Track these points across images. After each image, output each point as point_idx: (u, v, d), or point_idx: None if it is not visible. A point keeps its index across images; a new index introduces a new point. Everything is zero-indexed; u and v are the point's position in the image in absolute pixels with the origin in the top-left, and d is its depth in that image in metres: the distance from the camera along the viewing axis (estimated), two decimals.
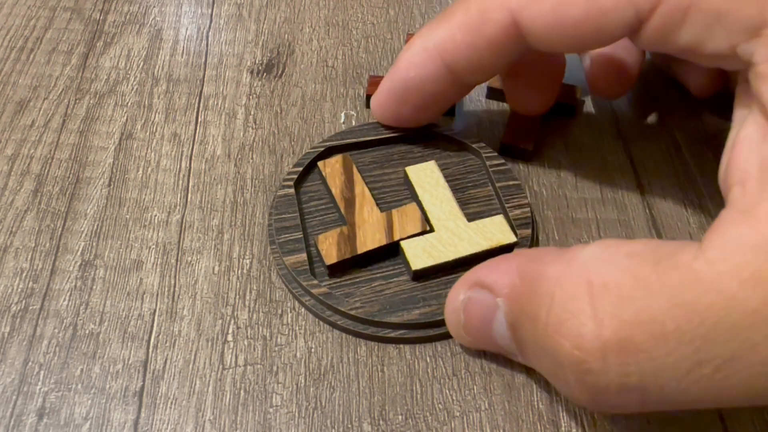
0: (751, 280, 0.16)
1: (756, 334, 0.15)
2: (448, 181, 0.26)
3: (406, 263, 0.24)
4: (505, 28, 0.22)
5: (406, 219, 0.25)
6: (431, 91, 0.25)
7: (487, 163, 0.27)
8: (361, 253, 0.24)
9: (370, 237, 0.24)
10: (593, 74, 0.28)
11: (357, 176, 0.26)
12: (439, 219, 0.25)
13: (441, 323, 0.23)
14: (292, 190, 0.26)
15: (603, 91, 0.28)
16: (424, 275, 0.24)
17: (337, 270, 0.24)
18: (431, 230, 0.25)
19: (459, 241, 0.24)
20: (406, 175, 0.26)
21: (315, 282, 0.24)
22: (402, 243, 0.24)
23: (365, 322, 0.23)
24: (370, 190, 0.26)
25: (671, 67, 0.29)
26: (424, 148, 0.28)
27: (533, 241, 0.25)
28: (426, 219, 0.25)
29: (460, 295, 0.21)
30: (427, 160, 0.27)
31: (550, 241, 0.26)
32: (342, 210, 0.25)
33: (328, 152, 0.27)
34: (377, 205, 0.25)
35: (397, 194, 0.26)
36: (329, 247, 0.24)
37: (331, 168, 0.26)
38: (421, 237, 0.24)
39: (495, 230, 0.24)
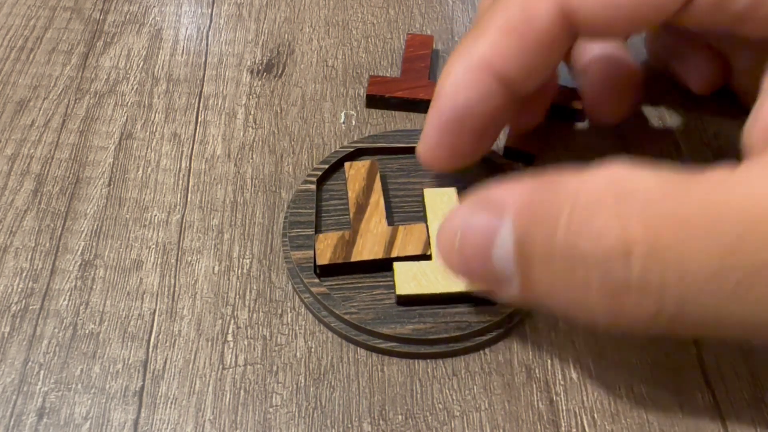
0: None
1: None
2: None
3: (394, 285, 0.23)
4: (553, 19, 0.21)
5: (409, 238, 0.24)
6: (486, 113, 0.22)
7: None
8: (353, 261, 0.24)
9: (368, 248, 0.24)
10: (591, 99, 0.27)
11: (377, 185, 0.26)
12: None
13: (432, 342, 0.23)
14: (313, 186, 0.26)
15: (602, 115, 0.27)
16: (408, 302, 0.23)
17: (328, 272, 0.24)
18: (429, 257, 0.24)
19: (452, 276, 0.23)
20: (423, 196, 0.26)
21: (316, 281, 0.24)
22: (395, 264, 0.24)
23: (358, 329, 0.23)
24: (390, 198, 0.26)
25: (670, 66, 0.29)
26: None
27: None
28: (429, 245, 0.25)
29: (459, 215, 0.20)
30: (455, 175, 0.27)
31: None
32: (351, 215, 0.25)
33: (357, 153, 0.27)
34: (388, 216, 0.25)
35: (414, 207, 0.26)
36: (325, 248, 0.24)
37: (356, 171, 0.26)
38: (415, 262, 0.24)
39: None
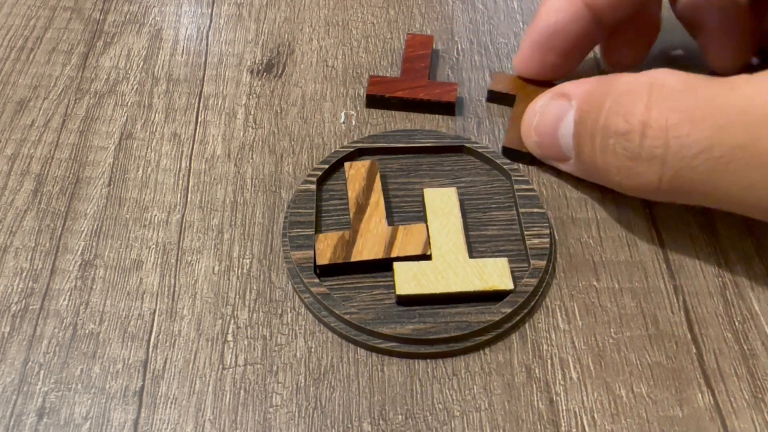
0: None
1: (761, 130, 0.19)
2: (472, 200, 0.26)
3: (394, 285, 0.23)
4: None
5: (409, 238, 0.24)
6: (574, 35, 0.27)
7: (515, 186, 0.26)
8: (353, 261, 0.24)
9: (368, 248, 0.24)
10: (610, 41, 0.29)
11: (377, 185, 0.26)
12: (440, 248, 0.24)
13: (432, 342, 0.23)
14: (313, 186, 0.26)
15: (620, 58, 0.30)
16: (408, 302, 0.23)
17: (328, 272, 0.24)
18: (429, 257, 0.24)
19: (453, 276, 0.24)
20: (423, 196, 0.26)
21: (316, 280, 0.24)
22: (395, 264, 0.24)
23: (358, 329, 0.23)
24: (390, 198, 0.26)
25: (694, 34, 0.30)
26: (455, 162, 0.28)
27: (546, 273, 0.25)
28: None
29: (541, 100, 0.26)
30: (456, 175, 0.27)
31: (550, 240, 0.26)
32: (351, 215, 0.25)
33: (357, 153, 0.27)
34: (388, 216, 0.25)
35: (414, 207, 0.26)
36: (325, 248, 0.24)
37: (356, 171, 0.26)
38: (415, 262, 0.24)
39: (494, 273, 0.24)
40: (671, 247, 0.26)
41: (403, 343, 0.23)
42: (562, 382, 0.22)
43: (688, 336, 0.24)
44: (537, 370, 0.23)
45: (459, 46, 0.33)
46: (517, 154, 0.28)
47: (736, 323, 0.24)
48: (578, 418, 0.22)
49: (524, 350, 0.23)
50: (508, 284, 0.23)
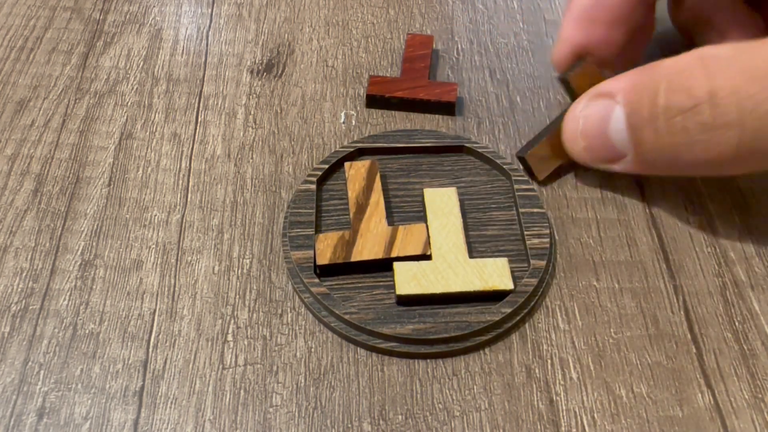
0: None
1: None
2: (472, 200, 0.26)
3: (394, 285, 0.23)
4: None
5: (409, 238, 0.24)
6: (618, 5, 0.26)
7: (515, 186, 0.26)
8: (353, 261, 0.24)
9: (368, 248, 0.24)
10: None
11: (377, 185, 0.26)
12: (440, 248, 0.24)
13: (432, 341, 0.23)
14: (313, 186, 0.26)
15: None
16: (408, 302, 0.23)
17: (328, 272, 0.24)
18: (429, 257, 0.24)
19: (453, 276, 0.24)
20: (423, 196, 0.26)
21: (316, 280, 0.24)
22: (395, 264, 0.24)
23: (358, 329, 0.23)
24: (390, 198, 0.26)
25: (695, 36, 0.30)
26: (455, 162, 0.28)
27: (547, 272, 0.25)
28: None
29: (579, 105, 0.26)
30: (456, 175, 0.27)
31: (550, 240, 0.26)
32: (351, 215, 0.25)
33: (357, 153, 0.27)
34: (388, 216, 0.25)
35: (414, 207, 0.26)
36: (325, 248, 0.24)
37: (356, 171, 0.26)
38: (415, 262, 0.24)
39: (494, 273, 0.24)
40: (671, 247, 0.26)
41: (403, 343, 0.23)
42: (562, 382, 0.22)
43: (688, 336, 0.24)
44: (537, 370, 0.23)
45: (459, 46, 0.33)
46: (530, 172, 0.27)
47: (736, 323, 0.24)
48: (578, 418, 0.22)
49: (524, 350, 0.23)
50: (508, 284, 0.23)
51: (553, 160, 0.27)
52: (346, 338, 0.23)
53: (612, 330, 0.24)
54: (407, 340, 0.23)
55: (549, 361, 0.23)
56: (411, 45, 0.32)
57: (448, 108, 0.30)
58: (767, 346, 0.23)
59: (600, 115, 0.25)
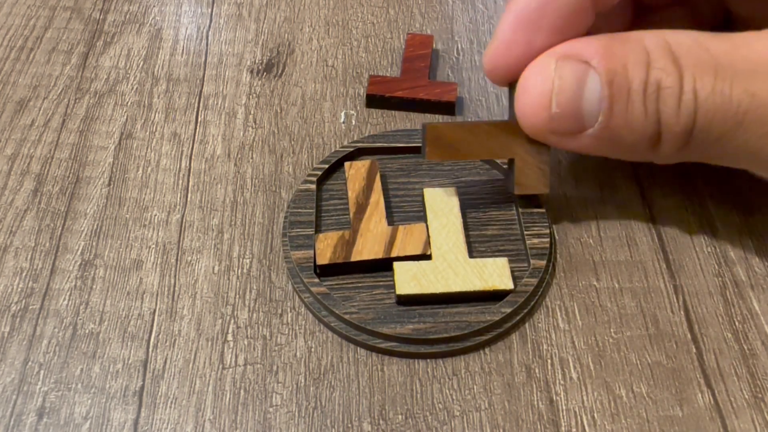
0: None
1: None
2: (472, 200, 0.26)
3: (394, 285, 0.23)
4: None
5: (409, 238, 0.24)
6: (569, 7, 0.23)
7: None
8: (353, 261, 0.24)
9: (368, 247, 0.24)
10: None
11: (377, 185, 0.26)
12: (440, 248, 0.24)
13: (432, 342, 0.23)
14: (313, 186, 0.26)
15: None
16: (408, 302, 0.23)
17: (328, 272, 0.24)
18: (429, 257, 0.24)
19: (453, 275, 0.24)
20: (423, 196, 0.26)
21: (316, 280, 0.24)
22: (395, 264, 0.24)
23: (358, 329, 0.23)
24: (390, 198, 0.26)
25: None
26: (455, 162, 0.27)
27: (547, 272, 0.24)
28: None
29: (551, 64, 0.22)
30: (456, 175, 0.27)
31: (550, 240, 0.26)
32: (351, 214, 0.25)
33: (357, 153, 0.27)
34: (388, 216, 0.25)
35: (414, 207, 0.26)
36: (325, 248, 0.24)
37: (356, 171, 0.26)
38: (415, 262, 0.24)
39: (494, 273, 0.24)
40: (671, 247, 0.26)
41: (403, 342, 0.23)
42: (562, 382, 0.22)
43: (688, 336, 0.24)
44: (537, 370, 0.23)
45: (459, 46, 0.33)
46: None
47: (736, 323, 0.24)
48: (578, 417, 0.22)
49: (524, 350, 0.23)
50: (508, 284, 0.23)
51: (452, 150, 0.24)
52: (346, 338, 0.23)
53: (612, 330, 0.24)
54: (407, 340, 0.23)
55: (549, 360, 0.23)
56: (411, 45, 0.32)
57: (448, 108, 0.30)
58: (767, 346, 0.23)
59: (576, 80, 0.22)
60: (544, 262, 0.24)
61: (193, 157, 0.28)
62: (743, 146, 0.21)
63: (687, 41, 0.22)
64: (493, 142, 0.24)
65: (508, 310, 0.23)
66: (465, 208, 0.26)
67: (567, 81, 0.22)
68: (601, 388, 0.22)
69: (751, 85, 0.21)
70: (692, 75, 0.21)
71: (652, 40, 0.22)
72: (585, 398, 0.22)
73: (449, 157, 0.24)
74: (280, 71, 0.31)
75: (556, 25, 0.23)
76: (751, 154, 0.22)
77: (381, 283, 0.24)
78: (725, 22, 0.28)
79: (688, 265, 0.25)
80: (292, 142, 0.29)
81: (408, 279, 0.23)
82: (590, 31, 0.24)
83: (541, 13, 0.23)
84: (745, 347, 0.23)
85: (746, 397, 0.22)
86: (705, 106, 0.21)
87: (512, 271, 0.24)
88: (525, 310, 0.24)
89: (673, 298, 0.24)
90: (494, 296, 0.23)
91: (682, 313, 0.24)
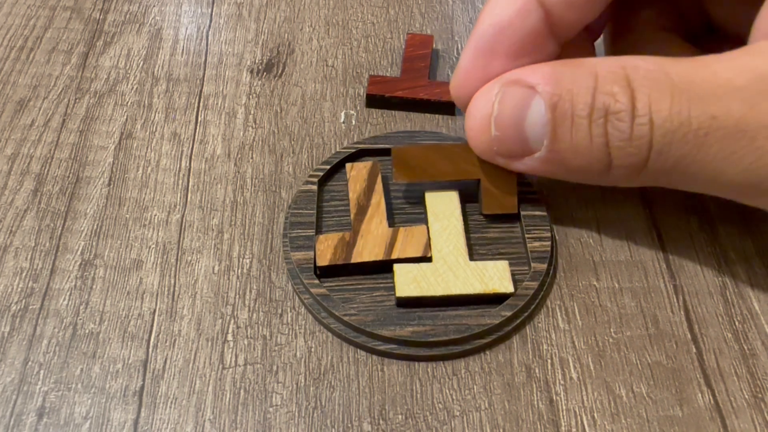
0: (744, 74, 0.20)
1: (734, 102, 0.20)
2: (473, 202, 0.26)
3: (394, 287, 0.23)
4: None
5: (410, 240, 0.24)
6: (522, 34, 0.24)
7: (517, 188, 0.26)
8: (353, 263, 0.24)
9: (368, 249, 0.24)
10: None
11: (379, 186, 0.26)
12: (440, 251, 0.24)
13: (432, 344, 0.23)
14: (314, 187, 0.26)
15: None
16: (408, 304, 0.23)
17: (328, 273, 0.24)
18: (430, 259, 0.24)
19: (453, 278, 0.23)
20: (423, 199, 0.26)
21: (316, 282, 0.24)
22: (395, 266, 0.24)
23: (357, 330, 0.23)
24: (391, 199, 0.26)
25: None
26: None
27: (548, 276, 0.24)
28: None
29: (494, 89, 0.23)
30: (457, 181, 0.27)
31: (551, 243, 0.26)
32: (352, 216, 0.25)
33: (359, 154, 0.27)
34: (389, 218, 0.25)
35: (416, 209, 0.26)
36: (325, 249, 0.24)
37: (357, 172, 0.26)
38: (415, 264, 0.24)
39: (494, 276, 0.23)
40: (671, 247, 0.26)
41: (403, 345, 0.23)
42: (562, 382, 0.22)
43: (688, 336, 0.24)
44: (537, 370, 0.23)
45: (459, 46, 0.33)
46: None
47: (736, 323, 0.24)
48: (578, 417, 0.22)
49: (524, 350, 0.23)
50: (508, 287, 0.23)
51: (420, 171, 0.25)
52: (346, 340, 0.23)
53: (612, 330, 0.24)
54: (406, 343, 0.23)
55: (549, 360, 0.23)
56: (411, 45, 0.32)
57: (448, 108, 0.30)
58: (767, 346, 0.23)
59: (517, 104, 0.23)
60: (545, 266, 0.24)
61: (193, 157, 0.28)
62: (704, 169, 0.21)
63: (644, 65, 0.21)
64: (459, 164, 0.25)
65: (508, 314, 0.23)
66: (466, 210, 0.26)
67: (507, 105, 0.23)
68: (601, 388, 0.22)
69: (710, 107, 0.20)
70: (647, 98, 0.21)
71: (605, 65, 0.22)
72: (585, 398, 0.22)
73: (417, 178, 0.25)
74: (280, 71, 0.31)
75: (512, 53, 0.24)
76: (712, 177, 0.21)
77: (381, 285, 0.24)
78: (708, 30, 0.28)
79: (688, 265, 0.25)
80: (292, 142, 0.29)
81: (408, 281, 0.23)
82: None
83: (497, 42, 0.24)
84: (745, 347, 0.23)
85: (746, 397, 0.22)
86: (662, 130, 0.21)
87: (513, 275, 0.24)
88: (525, 314, 0.24)
89: (673, 298, 0.24)
90: (494, 299, 0.23)
91: (682, 313, 0.24)
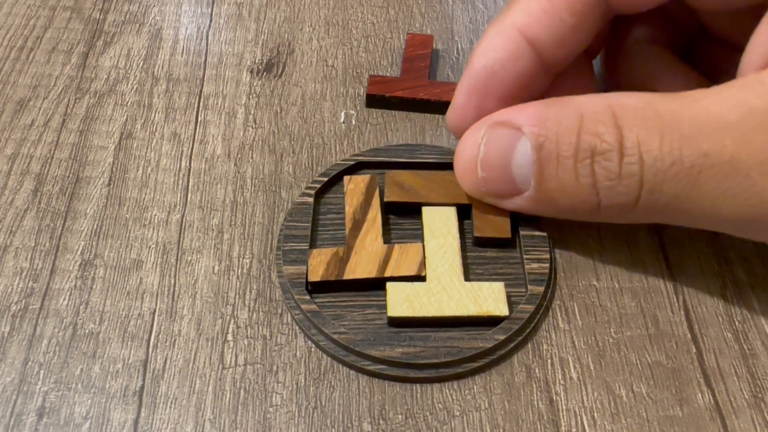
0: (735, 109, 0.20)
1: (726, 138, 0.20)
2: (471, 220, 0.25)
3: (386, 306, 0.23)
4: None
5: (404, 258, 0.24)
6: (515, 76, 0.24)
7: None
8: (346, 279, 0.23)
9: (361, 266, 0.24)
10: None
11: (376, 201, 0.25)
12: (435, 269, 0.24)
13: (422, 366, 0.22)
14: (310, 199, 0.26)
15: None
16: (400, 324, 0.23)
17: (319, 289, 0.24)
18: (424, 279, 0.24)
19: (447, 299, 0.23)
20: (421, 215, 0.25)
21: (307, 297, 0.23)
22: (387, 284, 0.23)
23: (346, 350, 0.22)
24: (388, 213, 0.26)
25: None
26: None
27: (545, 299, 0.24)
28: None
29: (480, 131, 0.23)
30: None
31: (550, 266, 0.26)
32: (347, 231, 0.25)
33: (357, 167, 0.27)
34: (385, 233, 0.25)
35: (412, 225, 0.26)
36: (318, 265, 0.24)
37: (355, 185, 0.26)
38: (408, 283, 0.23)
39: (489, 298, 0.23)
40: (671, 247, 0.26)
41: (392, 366, 0.22)
42: (562, 382, 0.22)
43: (688, 336, 0.24)
44: (537, 370, 0.23)
45: (459, 46, 0.33)
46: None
47: (736, 323, 0.24)
48: (578, 417, 0.22)
49: (524, 350, 0.23)
50: (503, 310, 0.23)
51: (412, 194, 0.26)
52: (335, 358, 0.22)
53: (612, 330, 0.24)
54: (396, 364, 0.22)
55: (549, 360, 0.23)
56: (411, 45, 0.32)
57: (448, 108, 0.30)
58: (767, 346, 0.23)
59: (503, 146, 0.23)
60: (542, 288, 0.24)
61: (193, 157, 0.28)
62: (699, 207, 0.21)
63: (632, 102, 0.21)
64: (450, 190, 0.26)
65: (502, 337, 0.22)
66: (463, 228, 0.25)
67: (493, 147, 0.23)
68: (601, 388, 0.22)
69: (702, 144, 0.20)
70: (635, 137, 0.21)
71: (591, 104, 0.22)
72: (585, 398, 0.22)
73: (408, 199, 0.26)
74: (280, 71, 0.31)
75: (507, 91, 0.24)
76: (708, 214, 0.21)
77: (373, 303, 0.23)
78: (703, 41, 0.28)
79: (688, 265, 0.25)
80: (292, 142, 0.29)
81: (400, 300, 0.23)
82: (549, 91, 0.25)
83: (489, 84, 0.24)
84: (745, 347, 0.23)
85: (746, 397, 0.22)
86: (653, 169, 0.20)
87: (509, 296, 0.23)
88: (519, 338, 0.23)
89: (673, 298, 0.24)
90: (489, 322, 0.23)
91: (682, 313, 0.24)
